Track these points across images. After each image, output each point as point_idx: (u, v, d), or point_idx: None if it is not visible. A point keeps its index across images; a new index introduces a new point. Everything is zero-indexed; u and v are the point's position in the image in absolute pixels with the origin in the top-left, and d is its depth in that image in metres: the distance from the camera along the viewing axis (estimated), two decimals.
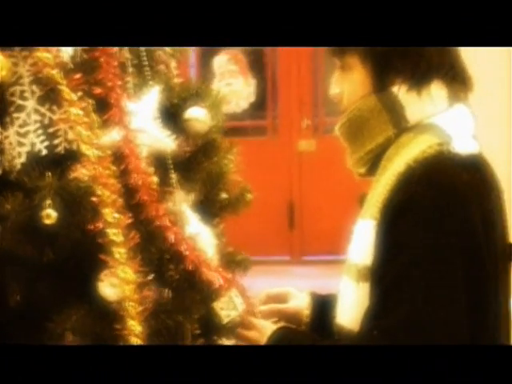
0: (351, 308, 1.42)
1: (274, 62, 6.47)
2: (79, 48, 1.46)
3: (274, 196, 6.19)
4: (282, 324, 1.56)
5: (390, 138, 1.44)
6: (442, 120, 1.43)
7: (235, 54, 6.32)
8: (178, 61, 1.70)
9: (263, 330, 1.51)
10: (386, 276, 1.34)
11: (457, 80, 1.47)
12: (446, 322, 1.31)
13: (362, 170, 1.52)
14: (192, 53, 6.30)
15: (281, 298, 1.72)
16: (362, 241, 1.40)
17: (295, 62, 6.25)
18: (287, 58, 6.31)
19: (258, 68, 6.46)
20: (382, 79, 1.45)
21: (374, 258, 1.37)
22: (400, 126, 1.43)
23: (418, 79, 1.43)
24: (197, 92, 1.65)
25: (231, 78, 6.31)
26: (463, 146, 1.38)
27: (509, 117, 6.14)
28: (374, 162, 1.48)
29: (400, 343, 1.29)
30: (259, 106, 6.48)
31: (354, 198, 1.59)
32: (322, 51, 6.21)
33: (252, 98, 6.41)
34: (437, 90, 1.44)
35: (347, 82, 1.49)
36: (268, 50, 6.46)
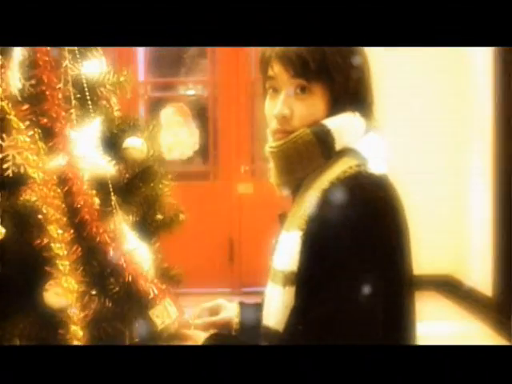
0: (277, 310, 1.44)
1: (216, 114, 6.52)
2: (27, 82, 1.47)
3: (216, 234, 6.21)
4: (212, 331, 1.57)
5: (318, 166, 1.47)
6: (359, 145, 1.48)
7: (180, 107, 6.35)
8: (119, 97, 1.71)
9: (196, 339, 1.52)
10: (312, 278, 1.37)
11: (372, 111, 1.53)
12: (364, 319, 1.34)
13: (287, 191, 1.55)
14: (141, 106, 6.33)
15: (213, 311, 1.75)
16: (288, 250, 1.43)
17: (234, 115, 6.30)
18: (227, 111, 6.37)
19: (201, 119, 6.50)
20: (336, 110, 1.47)
21: (300, 263, 1.40)
22: (329, 156, 1.47)
23: (361, 113, 1.49)
24: (134, 124, 1.67)
25: (177, 129, 6.33)
26: (377, 166, 1.44)
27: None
28: (298, 184, 1.51)
29: (323, 335, 1.32)
30: (202, 153, 6.51)
31: None
32: (258, 104, 6.29)
33: (196, 147, 6.43)
34: (359, 121, 1.50)
35: (304, 105, 1.46)
36: (210, 104, 6.52)
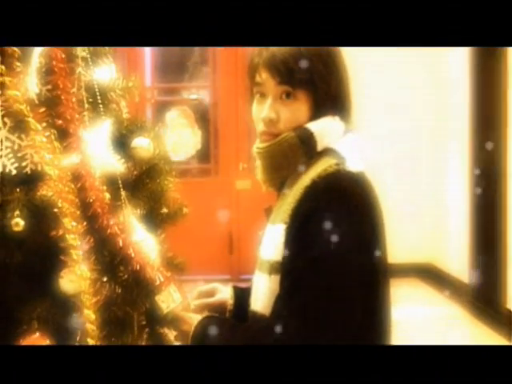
0: (264, 296, 1.45)
1: (216, 116, 6.52)
2: (44, 87, 1.48)
3: (216, 226, 6.21)
4: (206, 313, 1.57)
5: (301, 166, 1.47)
6: (338, 145, 1.48)
7: (184, 110, 6.35)
8: (128, 100, 1.72)
9: (192, 321, 1.52)
10: (294, 268, 1.37)
11: (350, 114, 1.53)
12: (343, 306, 1.34)
13: (272, 187, 1.55)
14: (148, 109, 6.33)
15: (209, 293, 1.74)
16: (274, 241, 1.43)
17: (234, 117, 6.30)
18: (227, 114, 6.37)
19: (203, 121, 6.50)
20: (318, 114, 1.47)
21: (285, 254, 1.40)
22: (311, 156, 1.47)
23: (340, 116, 1.49)
24: (141, 125, 1.67)
25: (181, 130, 6.33)
26: (354, 165, 1.44)
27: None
28: (282, 181, 1.51)
29: (304, 321, 1.32)
30: (204, 152, 6.51)
31: None
32: None
33: (198, 146, 6.43)
34: (338, 124, 1.50)
35: (289, 109, 1.46)
36: (211, 107, 6.52)
